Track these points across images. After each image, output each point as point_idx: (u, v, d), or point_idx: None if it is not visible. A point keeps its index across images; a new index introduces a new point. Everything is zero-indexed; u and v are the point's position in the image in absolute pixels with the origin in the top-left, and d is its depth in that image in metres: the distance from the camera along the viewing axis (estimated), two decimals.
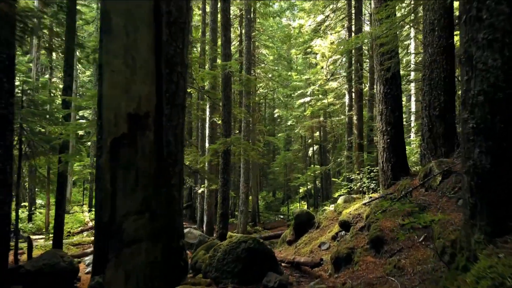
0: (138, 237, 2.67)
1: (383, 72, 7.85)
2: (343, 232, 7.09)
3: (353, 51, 18.31)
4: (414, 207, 5.47)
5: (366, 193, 14.16)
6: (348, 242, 5.61)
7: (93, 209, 21.70)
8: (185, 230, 11.68)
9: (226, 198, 12.18)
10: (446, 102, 8.34)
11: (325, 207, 16.14)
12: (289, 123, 29.75)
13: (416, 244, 4.74)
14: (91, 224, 18.75)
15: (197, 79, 15.21)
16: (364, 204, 7.46)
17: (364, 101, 19.37)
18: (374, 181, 14.42)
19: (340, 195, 13.65)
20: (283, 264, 6.68)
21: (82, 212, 20.99)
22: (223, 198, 12.15)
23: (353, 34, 18.78)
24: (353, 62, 18.16)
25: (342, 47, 13.60)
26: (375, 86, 8.08)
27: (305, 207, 30.60)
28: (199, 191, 15.44)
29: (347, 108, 18.22)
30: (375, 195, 7.84)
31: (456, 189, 5.46)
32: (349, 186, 15.97)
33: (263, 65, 25.41)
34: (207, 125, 16.27)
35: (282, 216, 30.92)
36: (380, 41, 7.35)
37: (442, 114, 8.35)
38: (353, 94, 18.01)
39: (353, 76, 17.81)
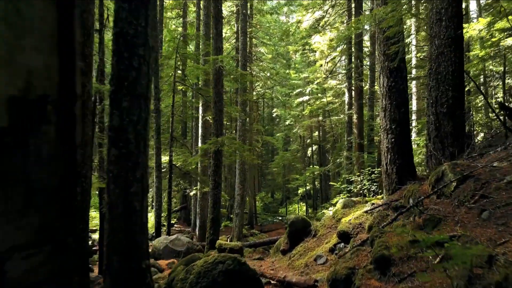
0: (32, 283, 1.78)
1: (387, 63, 6.92)
2: (342, 244, 6.15)
3: (353, 47, 17.40)
4: (427, 219, 4.53)
5: (367, 196, 13.24)
6: (347, 260, 4.67)
7: None
8: (173, 237, 10.77)
9: (217, 202, 11.25)
10: (454, 98, 7.44)
11: (324, 211, 15.24)
12: (287, 122, 28.81)
13: (431, 267, 3.80)
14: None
15: (189, 75, 14.32)
16: (366, 212, 6.53)
17: (364, 100, 18.46)
18: (375, 184, 13.50)
19: (339, 201, 12.74)
20: (272, 282, 5.75)
21: None
22: (214, 202, 11.23)
23: (353, 29, 17.87)
24: (353, 59, 17.24)
25: (342, 34, 12.61)
26: (377, 79, 7.16)
27: (304, 208, 29.67)
28: (191, 193, 14.51)
29: (346, 106, 17.29)
30: (378, 201, 6.90)
31: (476, 197, 4.53)
32: (348, 189, 15.05)
33: (261, 63, 24.48)
34: (200, 124, 15.36)
35: (280, 218, 29.98)
36: (384, 24, 6.41)
37: (450, 111, 7.45)
38: (353, 92, 17.09)
39: (353, 74, 16.88)
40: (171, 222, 20.84)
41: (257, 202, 31.97)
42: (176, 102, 15.97)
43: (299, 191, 30.59)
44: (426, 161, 8.14)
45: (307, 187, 27.81)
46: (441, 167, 5.68)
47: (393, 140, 6.77)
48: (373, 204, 6.80)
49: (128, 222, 3.93)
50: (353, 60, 17.11)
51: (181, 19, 21.85)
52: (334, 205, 14.67)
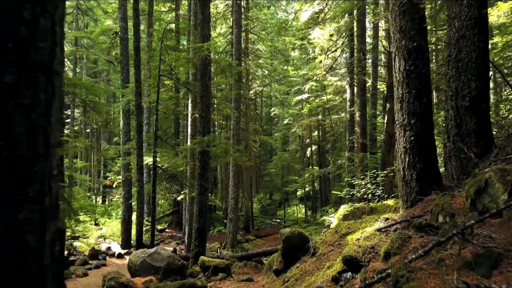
0: None
1: (404, 42, 5.40)
2: (349, 273, 4.64)
3: (355, 39, 15.88)
4: (479, 253, 3.02)
5: (372, 202, 11.71)
6: None
7: None
8: (152, 250, 9.26)
9: (203, 209, 9.74)
10: (478, 89, 5.96)
11: (324, 217, 13.72)
12: (285, 122, 27.27)
13: None
14: None
15: (176, 68, 12.85)
16: (379, 230, 5.02)
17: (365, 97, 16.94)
18: (380, 188, 11.97)
19: (341, 207, 11.22)
20: None
21: None
22: (200, 209, 9.72)
23: (355, 21, 16.39)
24: (355, 52, 15.72)
25: (344, 7, 11.13)
26: (392, 63, 5.67)
27: (303, 210, 28.13)
28: (178, 198, 13.01)
29: (348, 103, 15.77)
30: (393, 215, 5.39)
31: None
32: (351, 193, 13.52)
33: (259, 61, 22.96)
34: (189, 123, 13.85)
35: (279, 220, 28.46)
36: None
37: (473, 105, 5.99)
38: (355, 88, 15.58)
39: (355, 68, 15.37)
40: (159, 227, 19.32)
41: (254, 204, 30.44)
42: (167, 99, 14.46)
43: (298, 193, 29.08)
44: (445, 163, 6.64)
45: (306, 188, 26.27)
46: (483, 174, 4.16)
47: (412, 138, 5.26)
48: (387, 219, 5.28)
49: (15, 270, 2.41)
50: (355, 53, 15.59)
51: (174, 12, 20.35)
52: (337, 204, 13.20)
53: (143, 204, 11.06)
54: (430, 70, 5.79)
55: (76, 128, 30.80)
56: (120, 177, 22.83)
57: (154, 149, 11.87)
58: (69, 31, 21.03)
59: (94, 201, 26.67)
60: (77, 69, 32.12)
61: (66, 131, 28.35)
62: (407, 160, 5.33)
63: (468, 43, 6.48)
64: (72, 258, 12.56)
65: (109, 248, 14.11)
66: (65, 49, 24.34)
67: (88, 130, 30.92)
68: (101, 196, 26.89)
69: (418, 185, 5.20)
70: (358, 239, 5.24)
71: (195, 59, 9.85)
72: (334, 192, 19.13)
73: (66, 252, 12.44)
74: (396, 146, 5.65)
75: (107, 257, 13.57)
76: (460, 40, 6.54)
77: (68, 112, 33.15)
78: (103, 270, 12.13)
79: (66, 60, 27.01)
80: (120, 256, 13.68)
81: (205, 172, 9.79)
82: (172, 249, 12.99)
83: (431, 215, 4.50)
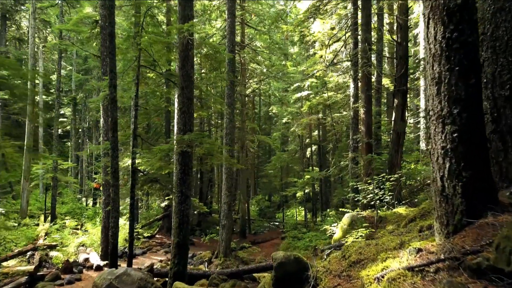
0: None
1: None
2: None
3: (359, 28, 14.17)
4: None
5: (380, 209, 10.04)
6: None
7: (50, 221, 17.67)
8: (121, 270, 7.60)
9: (184, 221, 8.10)
10: None
11: (326, 226, 12.04)
12: (284, 120, 25.58)
13: None
14: (41, 241, 14.69)
15: (158, 58, 11.20)
16: (411, 269, 3.36)
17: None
18: (390, 193, 10.32)
19: (345, 216, 9.57)
20: None
21: (37, 225, 16.91)
22: (180, 221, 8.08)
23: (359, 12, 14.68)
24: (359, 43, 14.03)
25: None
26: (423, 30, 4.07)
27: (303, 213, 26.44)
28: (162, 204, 11.34)
29: (352, 99, 14.09)
30: (428, 244, 3.71)
31: None
32: (355, 199, 11.85)
33: (259, 58, 21.26)
34: (175, 120, 12.19)
35: (277, 223, 26.78)
36: None
37: None
38: (359, 83, 13.89)
39: (359, 60, 13.68)
40: (146, 234, 17.65)
41: (252, 206, 28.77)
42: (150, 94, 12.80)
43: (297, 195, 27.38)
44: None
45: (306, 190, 24.54)
46: None
47: (455, 135, 3.61)
48: (419, 251, 3.61)
49: None
50: (359, 44, 13.90)
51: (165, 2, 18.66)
52: (338, 209, 11.55)
53: (118, 213, 9.39)
54: (479, 39, 4.15)
55: (68, 127, 29.17)
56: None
57: (133, 149, 10.21)
58: (55, 23, 19.46)
59: (84, 203, 25.04)
60: (62, 63, 30.49)
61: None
62: (447, 165, 3.67)
63: (508, 17, 4.90)
64: (42, 272, 10.92)
65: (87, 260, 12.47)
66: (48, 42, 22.61)
67: (80, 130, 29.29)
68: (92, 199, 25.25)
69: (466, 202, 3.54)
70: (379, 280, 3.58)
71: (174, 44, 8.21)
72: (344, 210, 17.51)
73: (35, 265, 10.79)
74: (430, 146, 3.98)
75: (84, 270, 11.93)
76: (497, 14, 5.00)
77: (61, 111, 31.50)
78: (76, 287, 10.51)
79: (49, 53, 25.27)
80: (98, 268, 12.05)
81: (187, 176, 8.14)
82: (149, 264, 11.34)
83: (497, 252, 2.85)
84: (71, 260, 12.46)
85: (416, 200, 10.58)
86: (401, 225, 7.77)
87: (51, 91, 26.92)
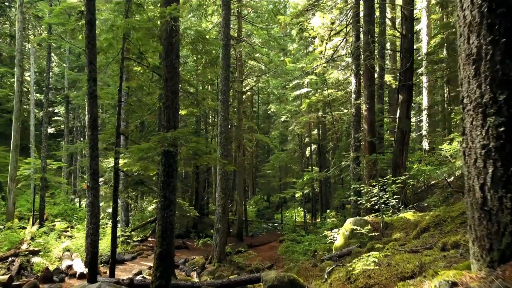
0: None
1: None
2: None
3: (361, 20, 13.19)
4: None
5: (385, 215, 9.09)
6: None
7: (38, 223, 16.71)
8: (94, 286, 6.65)
9: (168, 229, 7.15)
10: None
11: (326, 232, 11.06)
12: (282, 119, 24.59)
13: None
14: (25, 245, 13.73)
15: (147, 52, 10.28)
16: None
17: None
18: (395, 197, 9.37)
19: (346, 221, 8.60)
20: None
21: (24, 228, 15.96)
22: (164, 229, 7.14)
23: (361, 5, 13.70)
24: (361, 36, 13.06)
25: None
26: None
27: (302, 214, 25.49)
28: (149, 208, 10.39)
29: (353, 95, 13.12)
30: (467, 276, 2.78)
31: None
32: (358, 202, 10.89)
33: (257, 55, 20.28)
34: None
35: (276, 224, 25.81)
36: None
37: None
38: (362, 77, 12.94)
39: (361, 54, 12.73)
40: (135, 238, 16.66)
41: (250, 207, 27.83)
42: (137, 88, 11.88)
43: (296, 195, 26.42)
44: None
45: (306, 191, 23.53)
46: None
47: (501, 130, 2.67)
48: (454, 285, 2.65)
49: None
50: (361, 37, 12.93)
51: None
52: (339, 210, 10.52)
53: (98, 219, 8.43)
54: None
55: (62, 126, 28.22)
56: (101, 179, 20.28)
57: (116, 149, 9.28)
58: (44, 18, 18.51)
59: (77, 204, 24.09)
60: (57, 60, 29.56)
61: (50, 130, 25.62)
62: (490, 170, 2.72)
63: None
64: (18, 281, 9.96)
65: (70, 267, 11.50)
66: (36, 36, 21.62)
67: (74, 129, 28.33)
68: (85, 199, 24.27)
69: None
70: None
71: (157, 29, 7.26)
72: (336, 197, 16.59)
73: (10, 274, 9.84)
74: (463, 145, 3.02)
75: (67, 278, 10.97)
76: None
77: (56, 110, 30.58)
78: None
79: (38, 47, 24.30)
80: (82, 276, 11.06)
81: (170, 179, 7.19)
82: (137, 271, 10.39)
83: None
84: (53, 267, 11.51)
85: (425, 204, 9.63)
86: (411, 234, 6.81)
87: (43, 89, 25.93)
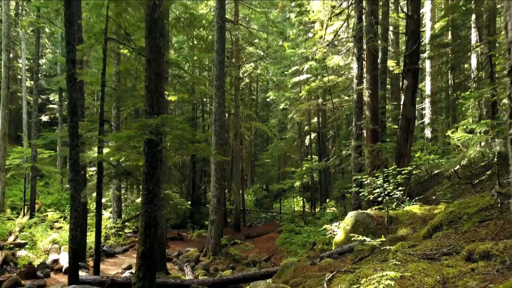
0: None
1: None
2: None
3: (364, 1, 12.30)
4: None
5: (389, 206, 8.37)
6: None
7: (29, 213, 16.07)
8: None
9: (152, 225, 6.44)
10: None
11: (326, 225, 10.38)
12: (281, 106, 23.76)
13: None
14: (13, 237, 13.09)
15: (135, 34, 9.48)
16: None
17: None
18: (400, 188, 8.63)
19: (348, 215, 7.90)
20: None
21: (11, 219, 15.31)
22: (147, 225, 6.43)
23: None
24: (363, 17, 12.18)
25: None
26: None
27: (301, 203, 24.87)
28: (137, 200, 9.69)
29: (355, 81, 12.29)
30: None
31: None
32: (360, 193, 10.18)
33: (256, 41, 19.36)
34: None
35: (275, 214, 25.22)
36: None
37: None
38: (364, 61, 12.10)
39: (364, 36, 11.87)
40: (127, 230, 16.01)
41: (249, 196, 27.19)
42: (124, 72, 11.08)
43: (295, 184, 25.78)
44: None
45: (304, 180, 22.82)
46: None
47: None
48: None
49: None
50: (363, 19, 12.05)
51: None
52: (339, 200, 9.83)
53: (79, 212, 7.72)
54: None
55: (56, 114, 27.36)
56: (92, 169, 19.56)
57: (99, 137, 8.52)
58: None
59: None
60: (51, 46, 28.58)
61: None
62: None
63: None
64: (1, 277, 9.31)
65: (56, 261, 10.87)
66: (24, 19, 20.67)
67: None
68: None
69: None
70: None
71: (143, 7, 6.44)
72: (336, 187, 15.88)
73: None
74: (510, 130, 2.27)
75: (52, 273, 10.33)
76: None
77: (50, 98, 29.71)
78: None
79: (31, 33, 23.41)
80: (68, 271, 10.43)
81: (154, 170, 6.45)
82: (126, 266, 9.73)
83: None
84: (39, 260, 10.90)
85: (433, 196, 8.90)
86: (419, 231, 6.09)
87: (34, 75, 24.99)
